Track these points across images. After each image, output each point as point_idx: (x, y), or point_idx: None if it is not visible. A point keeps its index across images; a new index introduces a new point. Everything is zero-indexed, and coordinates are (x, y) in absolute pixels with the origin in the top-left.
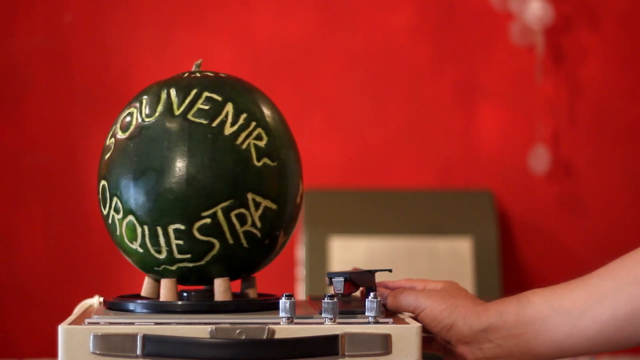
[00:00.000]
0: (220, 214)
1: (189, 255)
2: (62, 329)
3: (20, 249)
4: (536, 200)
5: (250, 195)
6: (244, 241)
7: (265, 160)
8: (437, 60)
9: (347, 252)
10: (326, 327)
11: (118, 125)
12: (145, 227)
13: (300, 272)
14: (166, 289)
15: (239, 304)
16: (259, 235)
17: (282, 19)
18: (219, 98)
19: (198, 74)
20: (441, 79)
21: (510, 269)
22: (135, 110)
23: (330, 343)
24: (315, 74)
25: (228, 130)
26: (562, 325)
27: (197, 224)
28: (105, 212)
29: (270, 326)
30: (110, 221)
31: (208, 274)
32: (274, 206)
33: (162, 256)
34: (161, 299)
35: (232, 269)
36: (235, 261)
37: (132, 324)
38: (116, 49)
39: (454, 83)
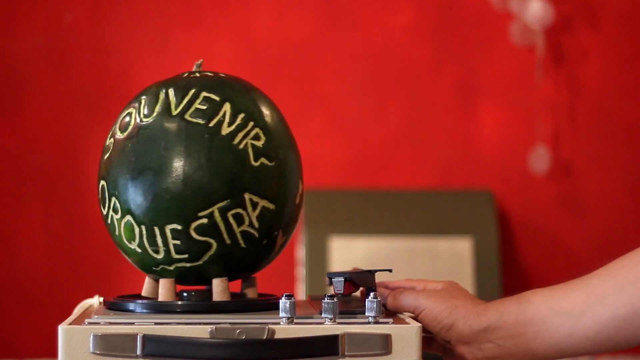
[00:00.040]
0: (217, 214)
1: (186, 255)
2: (62, 329)
3: (20, 249)
4: (536, 200)
5: (247, 195)
6: (241, 241)
7: (263, 160)
8: (437, 60)
9: (347, 252)
10: (326, 327)
11: (117, 126)
12: (143, 227)
13: (300, 272)
14: (165, 289)
15: (239, 304)
16: (256, 235)
17: (282, 19)
18: (217, 98)
19: (198, 74)
20: (441, 79)
21: (510, 269)
22: (134, 111)
23: (330, 343)
24: (315, 74)
25: (225, 130)
26: (561, 325)
27: (194, 224)
28: (104, 212)
29: (270, 326)
30: (109, 221)
31: (206, 274)
32: (271, 206)
33: (160, 256)
34: (159, 299)
35: (230, 269)
36: (233, 261)
37: (132, 324)
38: (116, 49)
39: (454, 83)
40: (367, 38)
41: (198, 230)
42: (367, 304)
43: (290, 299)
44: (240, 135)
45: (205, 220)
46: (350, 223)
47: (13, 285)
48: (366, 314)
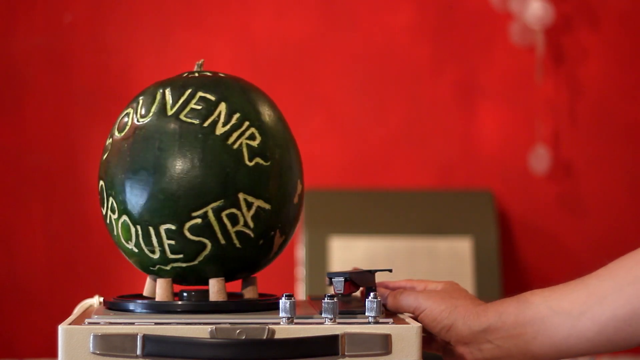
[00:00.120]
0: (211, 214)
1: (181, 255)
2: (62, 329)
3: (20, 249)
4: (536, 200)
5: (241, 195)
6: (236, 241)
7: (258, 160)
8: (437, 60)
9: (347, 252)
10: (326, 327)
11: (116, 126)
12: (139, 227)
13: (300, 272)
14: (161, 289)
15: (239, 304)
16: (252, 235)
17: (282, 19)
18: (213, 98)
19: (197, 74)
20: (441, 79)
21: (510, 269)
22: (132, 111)
23: (330, 343)
24: (315, 74)
25: (219, 130)
26: (561, 325)
27: (188, 224)
28: (103, 212)
29: (270, 326)
30: (108, 221)
31: (204, 274)
32: (267, 206)
33: (156, 256)
34: (157, 299)
35: (227, 269)
36: (229, 261)
37: (132, 324)
38: (116, 49)
39: (454, 83)
40: (367, 38)
41: (192, 230)
42: (367, 304)
43: (290, 299)
44: (235, 135)
45: (199, 221)
46: (350, 223)
47: (13, 285)
48: (366, 314)
